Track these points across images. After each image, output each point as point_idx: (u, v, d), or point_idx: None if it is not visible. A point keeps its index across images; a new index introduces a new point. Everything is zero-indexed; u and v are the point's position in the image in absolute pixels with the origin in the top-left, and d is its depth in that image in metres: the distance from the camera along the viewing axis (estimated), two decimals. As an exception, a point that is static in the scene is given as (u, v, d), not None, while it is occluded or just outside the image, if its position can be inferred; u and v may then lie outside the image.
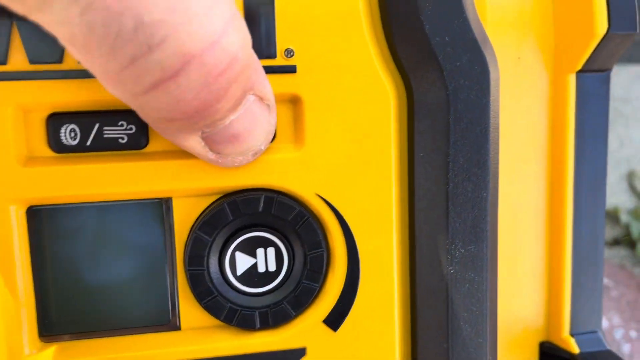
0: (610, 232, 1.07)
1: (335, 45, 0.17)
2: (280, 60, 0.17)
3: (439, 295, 0.18)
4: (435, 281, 0.18)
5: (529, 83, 0.22)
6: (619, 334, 0.46)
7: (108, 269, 0.18)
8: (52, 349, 0.17)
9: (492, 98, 0.17)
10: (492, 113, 0.17)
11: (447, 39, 0.17)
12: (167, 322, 0.18)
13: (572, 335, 0.23)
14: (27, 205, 0.17)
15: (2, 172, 0.16)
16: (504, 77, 0.20)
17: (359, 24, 0.17)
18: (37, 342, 0.17)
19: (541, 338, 0.24)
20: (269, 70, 0.16)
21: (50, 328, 0.18)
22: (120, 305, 0.18)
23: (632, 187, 1.12)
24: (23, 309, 0.17)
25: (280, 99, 0.17)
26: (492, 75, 0.17)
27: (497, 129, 0.18)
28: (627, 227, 1.14)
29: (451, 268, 0.17)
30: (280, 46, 0.17)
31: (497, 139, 0.18)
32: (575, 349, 0.23)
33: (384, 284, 0.18)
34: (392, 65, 0.18)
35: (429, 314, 0.18)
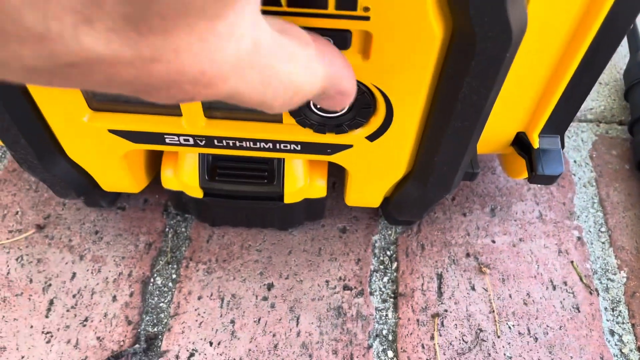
0: None
1: (402, 4, 0.22)
2: (359, 13, 0.23)
3: (439, 134, 0.29)
4: (437, 132, 0.29)
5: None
6: None
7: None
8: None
9: (508, 55, 0.23)
10: (504, 65, 0.24)
11: (485, 20, 0.22)
12: (277, 118, 0.31)
13: (540, 135, 0.34)
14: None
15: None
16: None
17: (424, -8, 0.22)
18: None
19: (520, 129, 0.35)
20: (351, 17, 0.23)
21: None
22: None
23: None
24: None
25: (357, 32, 0.24)
26: (514, 40, 0.23)
27: (509, 64, 0.24)
28: None
29: (448, 133, 0.28)
30: (361, 4, 0.22)
31: (509, 67, 0.25)
32: (536, 144, 0.34)
33: (403, 132, 0.29)
34: (446, 10, 0.23)
35: (430, 145, 0.30)
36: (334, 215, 0.44)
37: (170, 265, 0.41)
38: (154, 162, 0.39)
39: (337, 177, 0.46)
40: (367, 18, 0.23)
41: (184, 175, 0.36)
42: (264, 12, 0.23)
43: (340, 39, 0.24)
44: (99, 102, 0.30)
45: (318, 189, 0.38)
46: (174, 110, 0.31)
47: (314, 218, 0.41)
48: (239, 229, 0.43)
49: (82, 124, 0.31)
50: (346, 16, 0.23)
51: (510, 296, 0.41)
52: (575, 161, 0.49)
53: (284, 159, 0.35)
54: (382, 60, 0.25)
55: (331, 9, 0.23)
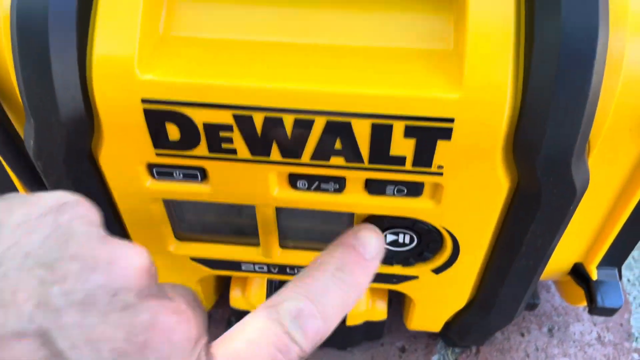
0: None
1: (474, 163, 0.25)
2: (433, 169, 0.25)
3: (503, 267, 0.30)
4: (500, 267, 0.30)
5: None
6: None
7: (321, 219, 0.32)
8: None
9: (572, 207, 0.25)
10: (569, 214, 0.26)
11: (551, 179, 0.24)
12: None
13: (597, 267, 0.35)
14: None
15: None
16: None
17: (494, 153, 0.24)
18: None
19: (577, 260, 0.36)
20: (426, 172, 0.26)
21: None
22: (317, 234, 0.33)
23: None
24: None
25: (429, 183, 0.26)
26: (578, 195, 0.25)
27: (573, 212, 0.26)
28: None
29: (510, 274, 0.30)
30: (435, 163, 0.25)
31: (568, 222, 0.27)
32: (594, 276, 0.35)
33: (468, 266, 0.31)
34: (513, 166, 0.25)
35: (494, 279, 0.31)
36: (392, 332, 0.45)
37: (232, 383, 0.41)
38: (221, 282, 0.42)
39: (394, 294, 0.47)
40: (440, 174, 0.26)
41: (251, 296, 0.38)
42: (348, 168, 0.26)
43: (414, 189, 0.27)
44: (185, 232, 0.33)
45: (378, 312, 0.39)
46: (251, 241, 0.33)
47: (373, 338, 0.42)
48: (299, 347, 0.44)
49: (167, 253, 0.33)
50: (421, 172, 0.26)
51: None
52: (628, 280, 0.49)
53: (347, 283, 0.37)
54: (451, 206, 0.27)
55: (408, 166, 0.25)
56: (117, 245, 0.18)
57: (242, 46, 0.25)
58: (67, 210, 0.17)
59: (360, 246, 0.25)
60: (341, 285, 0.23)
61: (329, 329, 0.22)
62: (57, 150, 0.26)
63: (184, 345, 0.17)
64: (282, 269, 0.34)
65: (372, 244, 0.25)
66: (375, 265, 0.25)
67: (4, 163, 0.33)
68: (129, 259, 0.17)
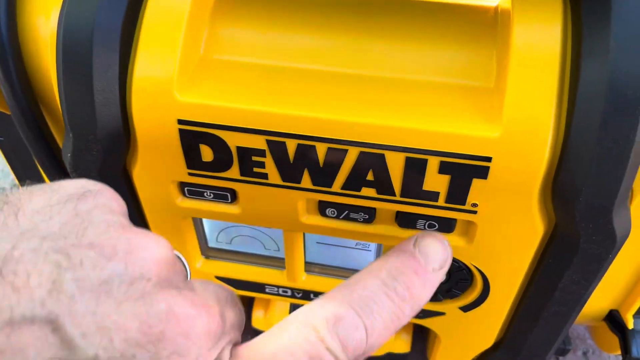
0: None
1: (509, 204, 0.24)
2: (467, 207, 0.25)
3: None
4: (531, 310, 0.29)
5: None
6: None
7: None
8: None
9: (611, 256, 0.24)
10: (607, 262, 0.25)
11: (590, 226, 0.23)
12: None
13: (634, 316, 0.34)
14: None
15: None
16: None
17: (531, 195, 0.24)
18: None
19: (613, 307, 0.35)
20: (459, 209, 0.25)
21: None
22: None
23: None
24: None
25: (461, 220, 0.26)
26: (618, 243, 0.24)
27: (612, 260, 0.25)
28: None
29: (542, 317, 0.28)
30: (470, 201, 0.24)
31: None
32: (630, 325, 0.34)
33: (497, 307, 0.30)
34: (550, 209, 0.25)
35: (524, 323, 0.30)
36: (414, 367, 0.44)
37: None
38: (245, 301, 0.41)
39: (419, 329, 0.46)
40: (474, 212, 0.25)
41: (274, 318, 0.38)
42: (379, 199, 0.25)
43: (446, 225, 0.26)
44: (212, 250, 0.33)
45: (402, 343, 0.38)
46: (276, 263, 0.33)
47: (394, 371, 0.41)
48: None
49: (193, 270, 0.33)
50: (454, 209, 0.25)
51: None
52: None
53: (371, 312, 0.36)
54: (484, 245, 0.27)
55: (441, 202, 0.25)
56: (137, 234, 0.17)
57: (281, 72, 0.25)
58: (88, 198, 0.17)
59: (421, 255, 0.21)
60: (393, 297, 0.20)
61: (374, 344, 0.19)
62: (92, 164, 0.26)
63: (202, 339, 0.16)
64: (306, 294, 0.33)
65: (436, 253, 0.21)
66: (437, 279, 0.21)
67: (43, 175, 0.34)
68: (149, 249, 0.16)
